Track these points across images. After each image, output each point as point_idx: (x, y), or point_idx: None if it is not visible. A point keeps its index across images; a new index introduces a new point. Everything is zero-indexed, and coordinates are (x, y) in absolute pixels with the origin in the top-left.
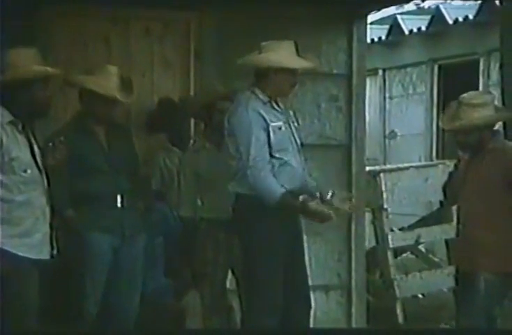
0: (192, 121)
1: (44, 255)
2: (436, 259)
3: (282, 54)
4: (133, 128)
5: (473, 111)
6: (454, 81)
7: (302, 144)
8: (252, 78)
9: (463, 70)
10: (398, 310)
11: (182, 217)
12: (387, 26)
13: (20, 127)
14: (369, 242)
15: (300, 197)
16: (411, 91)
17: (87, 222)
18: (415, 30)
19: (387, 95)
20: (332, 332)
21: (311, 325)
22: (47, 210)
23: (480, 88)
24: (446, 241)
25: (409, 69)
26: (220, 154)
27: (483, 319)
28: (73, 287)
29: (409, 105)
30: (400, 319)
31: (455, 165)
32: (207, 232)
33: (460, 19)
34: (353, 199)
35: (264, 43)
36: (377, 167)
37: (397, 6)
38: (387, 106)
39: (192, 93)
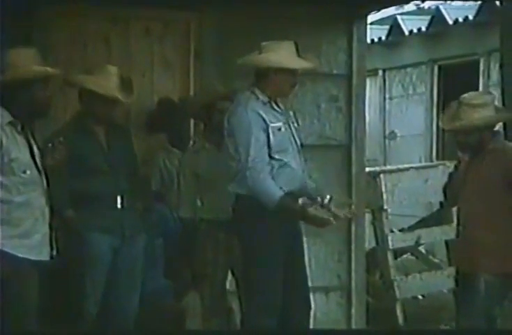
0: (192, 121)
1: (44, 255)
2: (436, 261)
3: (282, 55)
4: (133, 128)
5: (473, 111)
6: (454, 81)
7: (302, 145)
8: (252, 78)
9: (463, 70)
10: (398, 311)
11: (182, 218)
12: (387, 27)
13: (19, 127)
14: (369, 243)
15: (300, 201)
16: (411, 92)
17: (87, 223)
18: (415, 30)
19: (387, 95)
20: (332, 333)
21: (311, 326)
22: (47, 211)
23: (480, 88)
24: (446, 242)
25: (409, 69)
26: (219, 155)
27: (483, 320)
28: (73, 287)
29: (409, 106)
30: (400, 320)
31: (455, 166)
32: (207, 232)
33: (460, 19)
34: (352, 206)
35: (264, 43)
36: (377, 168)
37: (397, 6)
38: (387, 106)
39: (192, 93)
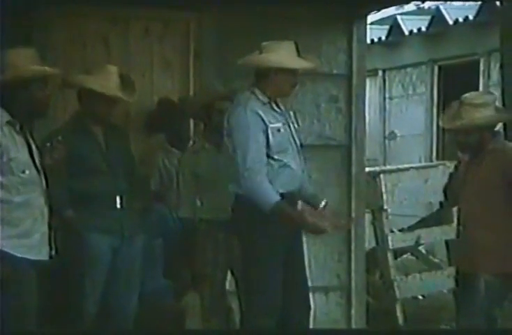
0: (192, 121)
1: (43, 255)
2: (436, 261)
3: (282, 55)
4: (132, 128)
5: (474, 111)
6: (454, 81)
7: (302, 145)
8: (252, 78)
9: (463, 70)
10: (398, 312)
11: (181, 218)
12: (387, 27)
13: (18, 127)
14: (369, 243)
15: (298, 206)
16: (411, 92)
17: (86, 223)
18: (415, 30)
19: (387, 95)
20: (332, 333)
21: (311, 326)
22: (46, 210)
23: (481, 88)
24: (446, 242)
25: (409, 69)
26: (219, 155)
27: (483, 320)
28: (72, 287)
29: (409, 106)
30: (400, 320)
31: (456, 166)
32: (206, 232)
33: (460, 19)
34: (352, 214)
35: (264, 43)
36: (377, 168)
37: (397, 7)
38: (387, 106)
39: (191, 93)
